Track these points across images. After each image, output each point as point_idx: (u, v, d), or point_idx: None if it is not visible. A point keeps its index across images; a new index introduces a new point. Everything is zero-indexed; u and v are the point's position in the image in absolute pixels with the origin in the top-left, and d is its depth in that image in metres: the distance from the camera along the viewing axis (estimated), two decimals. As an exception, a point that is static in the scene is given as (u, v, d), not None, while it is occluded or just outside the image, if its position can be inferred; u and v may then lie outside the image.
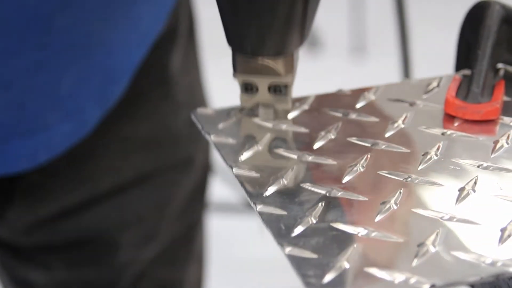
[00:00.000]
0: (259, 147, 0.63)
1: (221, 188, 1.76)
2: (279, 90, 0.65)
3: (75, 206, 0.88)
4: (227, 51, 0.64)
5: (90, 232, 0.90)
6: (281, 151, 0.62)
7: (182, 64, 0.92)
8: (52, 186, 0.87)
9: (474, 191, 0.57)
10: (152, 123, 0.90)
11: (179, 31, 0.91)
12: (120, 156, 0.89)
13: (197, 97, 0.97)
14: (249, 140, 0.64)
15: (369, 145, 0.62)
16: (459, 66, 0.73)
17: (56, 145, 0.82)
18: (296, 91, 0.69)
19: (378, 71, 2.45)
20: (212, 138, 0.64)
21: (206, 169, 1.00)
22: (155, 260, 0.95)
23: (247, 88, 0.65)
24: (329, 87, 0.71)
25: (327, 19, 2.67)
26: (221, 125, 0.66)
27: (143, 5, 0.82)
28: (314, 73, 2.22)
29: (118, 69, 0.83)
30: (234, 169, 0.60)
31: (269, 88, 0.65)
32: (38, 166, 0.82)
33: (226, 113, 0.67)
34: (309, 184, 0.58)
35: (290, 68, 0.64)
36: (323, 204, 0.56)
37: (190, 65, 0.95)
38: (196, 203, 1.00)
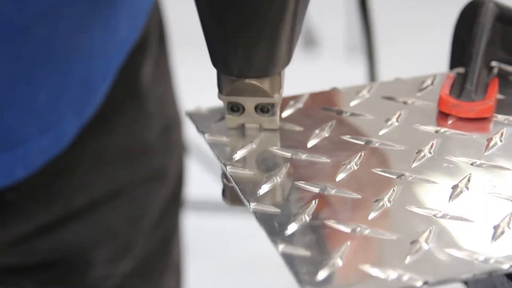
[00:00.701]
0: (253, 146, 0.63)
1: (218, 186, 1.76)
2: (266, 109, 0.64)
3: (49, 224, 0.85)
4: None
5: (64, 250, 0.87)
6: (275, 149, 0.62)
7: (153, 74, 0.90)
8: (25, 204, 0.84)
9: (468, 188, 0.57)
10: (124, 135, 0.89)
11: (150, 40, 0.89)
12: (93, 171, 0.87)
13: (169, 107, 0.95)
14: (243, 139, 0.64)
15: (362, 143, 0.62)
16: (453, 64, 0.73)
17: (34, 160, 0.79)
18: (292, 91, 0.69)
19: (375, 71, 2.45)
20: (206, 137, 0.64)
21: (180, 180, 0.98)
22: (131, 274, 0.93)
23: (233, 109, 0.64)
24: (325, 87, 0.71)
25: (323, 19, 2.67)
26: (214, 124, 0.66)
27: (120, 12, 0.80)
28: (310, 73, 2.22)
29: (96, 78, 0.82)
30: (228, 168, 0.60)
31: (256, 108, 0.64)
32: (15, 182, 0.80)
33: (220, 112, 0.67)
34: (302, 182, 0.58)
35: (278, 87, 0.63)
36: (316, 202, 0.56)
37: (161, 75, 0.93)
38: (171, 214, 0.99)
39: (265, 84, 0.62)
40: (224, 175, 0.64)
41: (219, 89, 0.63)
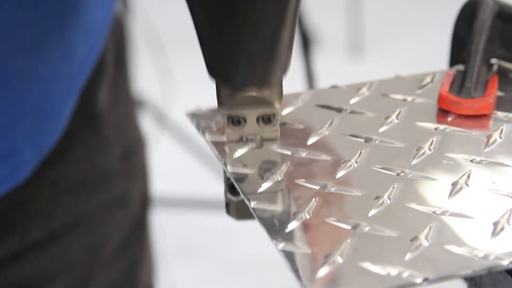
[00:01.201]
0: (253, 144, 0.63)
1: (215, 184, 1.76)
2: (268, 120, 0.62)
3: (5, 258, 0.82)
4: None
5: (20, 284, 0.84)
6: (275, 147, 0.62)
7: (110, 97, 0.87)
8: None
9: (467, 185, 0.57)
10: (83, 163, 0.85)
11: (105, 62, 0.86)
12: (51, 201, 0.83)
13: (129, 130, 0.93)
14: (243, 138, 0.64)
15: (362, 140, 0.63)
16: (452, 62, 0.73)
17: None
18: (293, 89, 0.69)
19: (375, 69, 2.46)
20: (206, 137, 0.64)
21: (144, 204, 0.96)
22: None
23: (233, 121, 0.62)
24: (326, 86, 0.71)
25: (324, 18, 2.67)
26: (216, 123, 0.66)
27: (76, 36, 0.77)
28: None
29: (54, 104, 0.78)
30: (228, 167, 0.60)
31: (258, 119, 0.62)
32: None
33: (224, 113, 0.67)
34: (303, 180, 0.58)
35: (280, 96, 0.61)
36: (316, 199, 0.56)
37: (118, 98, 0.90)
38: (136, 240, 0.96)
39: (268, 94, 0.61)
40: (228, 190, 0.63)
41: (219, 103, 0.61)
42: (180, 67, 2.06)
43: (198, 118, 0.67)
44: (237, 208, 0.63)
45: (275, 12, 0.57)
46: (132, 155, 0.93)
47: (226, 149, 0.63)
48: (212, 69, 0.60)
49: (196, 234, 1.85)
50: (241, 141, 0.63)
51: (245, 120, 0.62)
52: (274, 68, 0.59)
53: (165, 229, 1.74)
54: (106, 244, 0.91)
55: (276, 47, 0.58)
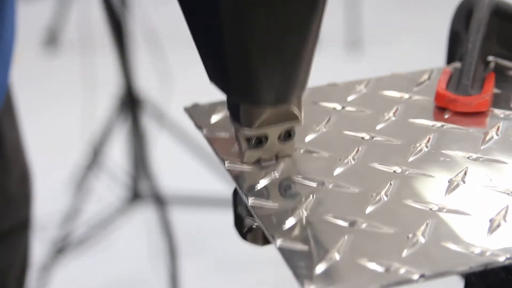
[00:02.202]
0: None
1: (214, 182, 1.76)
2: (288, 135, 0.61)
3: None
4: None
5: None
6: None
7: (7, 119, 0.86)
8: None
9: (464, 182, 0.57)
10: None
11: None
12: None
13: (23, 155, 0.91)
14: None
15: (360, 137, 0.63)
16: (450, 59, 0.73)
17: None
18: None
19: (374, 67, 2.46)
20: (204, 133, 0.64)
21: (30, 228, 0.93)
22: None
23: (255, 142, 0.60)
24: (324, 83, 0.71)
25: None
26: (213, 119, 0.66)
27: None
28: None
29: None
30: (226, 163, 0.61)
31: (279, 136, 0.60)
32: None
33: (219, 106, 0.67)
34: (300, 177, 0.59)
35: (301, 108, 0.60)
36: (314, 196, 0.57)
37: (13, 120, 0.89)
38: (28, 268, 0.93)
39: (296, 108, 0.60)
40: (248, 214, 0.60)
41: (246, 124, 0.59)
42: (179, 65, 2.05)
43: (196, 113, 0.67)
44: (255, 235, 0.61)
45: (311, 23, 0.56)
46: (27, 180, 0.92)
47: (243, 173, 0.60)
48: (240, 90, 0.58)
49: (196, 232, 1.85)
50: (258, 163, 0.60)
51: (266, 139, 0.60)
52: (303, 80, 0.58)
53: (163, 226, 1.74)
54: (11, 271, 0.89)
55: (305, 59, 0.57)
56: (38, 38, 2.55)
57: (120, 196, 1.79)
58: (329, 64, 2.51)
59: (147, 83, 1.84)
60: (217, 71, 0.58)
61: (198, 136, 0.65)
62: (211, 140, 0.64)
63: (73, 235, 1.74)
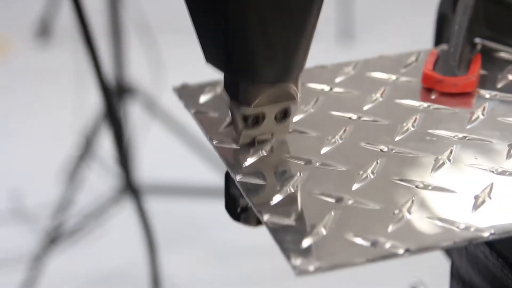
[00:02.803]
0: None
1: (205, 171, 1.77)
2: (284, 115, 0.60)
3: None
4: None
5: None
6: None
7: None
8: None
9: (450, 160, 0.58)
10: None
11: None
12: None
13: None
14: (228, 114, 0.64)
15: (347, 117, 0.63)
16: (437, 41, 0.74)
17: None
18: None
19: (366, 56, 2.46)
20: (192, 112, 0.65)
21: None
22: None
23: (252, 121, 0.59)
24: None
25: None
26: (202, 99, 0.66)
27: None
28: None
29: None
30: (214, 142, 0.61)
31: (276, 115, 0.60)
32: None
33: (208, 87, 0.68)
34: (288, 155, 0.59)
35: (299, 88, 0.60)
36: (301, 174, 0.57)
37: None
38: None
39: (294, 87, 0.59)
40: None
41: (244, 102, 0.58)
42: (171, 54, 2.06)
43: (185, 93, 0.68)
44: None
45: (313, 3, 0.56)
46: None
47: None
48: (239, 67, 0.58)
49: (187, 222, 1.85)
50: (253, 144, 0.60)
51: (263, 119, 0.60)
52: (303, 59, 0.58)
53: (154, 216, 1.75)
54: None
55: (306, 38, 0.57)
56: (31, 29, 2.54)
57: (112, 186, 1.79)
58: (320, 55, 2.52)
59: (138, 73, 1.84)
60: (216, 50, 0.58)
61: (190, 126, 0.66)
62: (199, 120, 0.64)
63: (65, 226, 1.74)
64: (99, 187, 1.79)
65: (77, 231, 1.74)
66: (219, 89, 0.67)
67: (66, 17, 2.37)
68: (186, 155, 1.82)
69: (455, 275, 0.66)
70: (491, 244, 0.59)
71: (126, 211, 1.79)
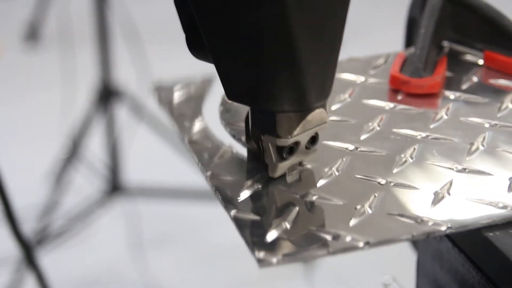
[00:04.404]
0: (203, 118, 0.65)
1: (192, 173, 1.78)
2: (313, 141, 0.59)
3: None
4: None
5: None
6: (230, 119, 0.65)
7: None
8: None
9: (412, 158, 0.60)
10: None
11: None
12: None
13: None
14: (201, 114, 0.66)
15: None
16: (407, 45, 0.76)
17: None
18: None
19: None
20: (166, 111, 0.67)
21: None
22: None
23: (287, 152, 0.57)
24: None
25: None
26: (177, 97, 0.68)
27: None
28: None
29: None
30: (186, 139, 0.63)
31: (307, 142, 0.58)
32: None
33: (183, 85, 0.70)
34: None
35: (327, 111, 0.59)
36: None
37: None
38: None
39: (324, 110, 0.58)
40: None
41: (282, 133, 0.56)
42: (157, 57, 2.07)
43: (161, 91, 0.69)
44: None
45: (340, 23, 0.56)
46: None
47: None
48: (279, 98, 0.55)
49: (173, 223, 1.87)
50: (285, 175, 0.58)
51: (297, 147, 0.58)
52: (333, 79, 0.58)
53: (141, 218, 1.76)
54: None
55: (337, 58, 0.57)
56: (19, 33, 2.56)
57: (98, 188, 1.80)
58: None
59: (125, 75, 1.86)
60: (247, 85, 0.56)
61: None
62: (172, 118, 0.66)
63: (52, 227, 1.75)
64: (86, 189, 1.81)
65: (64, 233, 1.76)
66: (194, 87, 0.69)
67: (54, 21, 2.39)
68: (172, 157, 1.84)
69: (421, 271, 0.68)
70: (453, 240, 0.61)
71: (113, 213, 1.81)
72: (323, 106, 0.58)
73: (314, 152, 0.59)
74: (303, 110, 0.56)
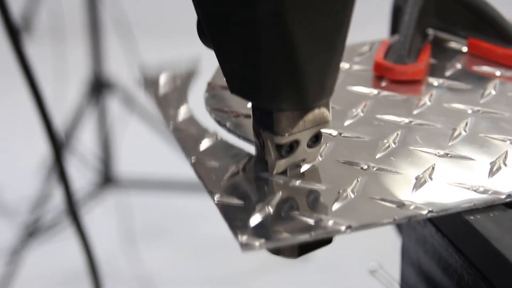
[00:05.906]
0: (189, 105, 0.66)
1: (184, 165, 1.79)
2: (316, 140, 0.58)
3: None
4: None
5: None
6: (216, 105, 0.65)
7: None
8: None
9: (395, 143, 0.61)
10: None
11: None
12: None
13: None
14: (186, 102, 0.67)
15: None
16: (392, 31, 0.76)
17: None
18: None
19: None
20: (152, 97, 0.67)
21: None
22: None
23: (286, 150, 0.57)
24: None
25: None
26: (162, 84, 0.69)
27: None
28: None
29: None
30: (171, 126, 0.63)
31: (308, 141, 0.58)
32: None
33: (169, 72, 0.70)
34: (240, 138, 0.62)
35: (330, 109, 0.58)
36: (252, 156, 0.59)
37: None
38: None
39: (326, 110, 0.58)
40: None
41: (281, 131, 0.56)
42: (149, 50, 2.08)
43: (148, 79, 0.70)
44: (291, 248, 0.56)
45: (342, 22, 0.54)
46: None
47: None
48: (272, 95, 0.55)
49: (165, 215, 1.87)
50: (285, 173, 0.58)
51: (297, 145, 0.58)
52: (336, 79, 0.57)
53: (133, 210, 1.76)
54: None
55: (341, 56, 0.56)
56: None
57: (90, 180, 1.81)
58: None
59: (116, 68, 1.86)
60: (246, 80, 0.56)
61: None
62: (158, 105, 0.66)
63: (44, 220, 1.76)
64: (78, 181, 1.82)
65: (56, 225, 1.76)
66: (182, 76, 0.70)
67: (46, 14, 2.39)
68: (164, 149, 1.85)
69: (405, 256, 0.68)
70: (436, 225, 0.62)
71: (105, 205, 1.81)
72: (326, 105, 0.57)
73: (317, 151, 0.59)
74: (302, 109, 0.56)
